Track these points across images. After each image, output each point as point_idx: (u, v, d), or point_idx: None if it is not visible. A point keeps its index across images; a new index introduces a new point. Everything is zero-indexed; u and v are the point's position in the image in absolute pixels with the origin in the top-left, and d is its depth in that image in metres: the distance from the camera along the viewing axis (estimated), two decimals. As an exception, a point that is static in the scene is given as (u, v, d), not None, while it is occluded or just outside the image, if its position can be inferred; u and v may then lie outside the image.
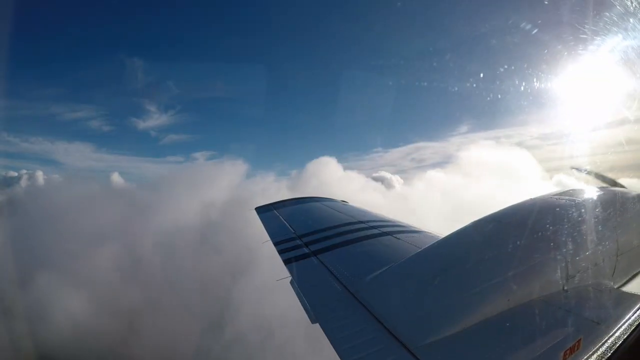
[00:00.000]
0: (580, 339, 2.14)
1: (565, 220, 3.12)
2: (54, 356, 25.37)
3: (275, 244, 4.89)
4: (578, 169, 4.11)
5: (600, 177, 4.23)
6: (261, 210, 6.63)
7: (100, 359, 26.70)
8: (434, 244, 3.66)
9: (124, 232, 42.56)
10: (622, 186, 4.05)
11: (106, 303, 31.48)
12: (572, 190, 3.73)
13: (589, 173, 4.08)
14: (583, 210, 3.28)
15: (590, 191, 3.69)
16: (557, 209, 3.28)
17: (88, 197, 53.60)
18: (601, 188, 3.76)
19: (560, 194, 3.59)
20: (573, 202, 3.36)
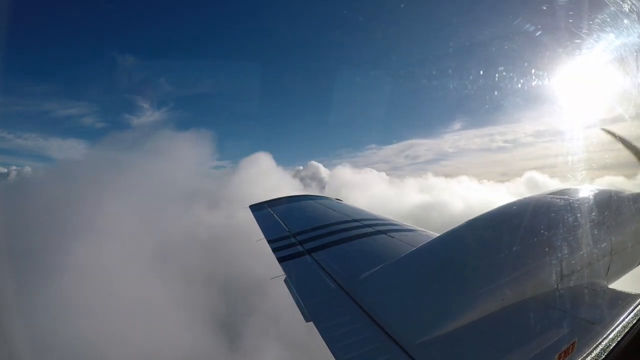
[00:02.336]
0: (575, 340, 2.14)
1: (560, 219, 3.12)
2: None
3: (270, 242, 4.88)
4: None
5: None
6: (255, 208, 6.63)
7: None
8: (428, 242, 3.66)
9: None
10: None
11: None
12: (566, 189, 3.73)
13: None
14: (577, 209, 3.28)
15: (585, 190, 3.68)
16: (552, 208, 3.27)
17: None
18: (595, 187, 3.77)
19: (555, 193, 3.58)
20: (567, 202, 3.36)
